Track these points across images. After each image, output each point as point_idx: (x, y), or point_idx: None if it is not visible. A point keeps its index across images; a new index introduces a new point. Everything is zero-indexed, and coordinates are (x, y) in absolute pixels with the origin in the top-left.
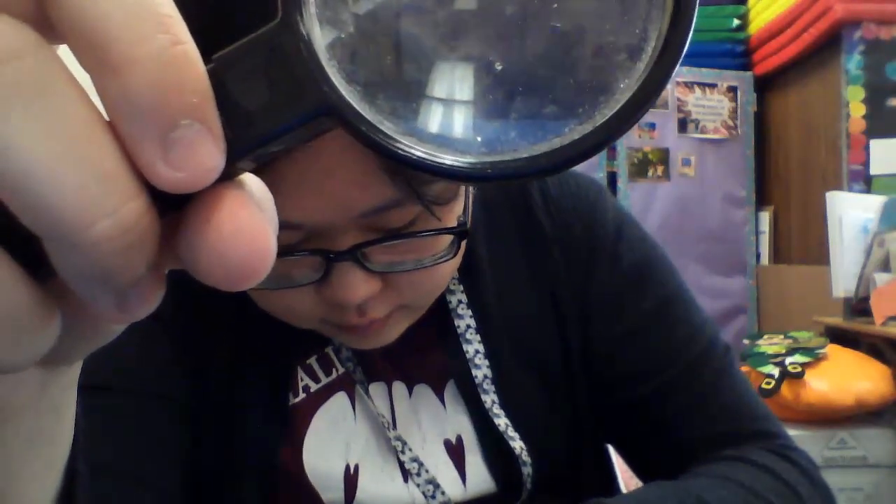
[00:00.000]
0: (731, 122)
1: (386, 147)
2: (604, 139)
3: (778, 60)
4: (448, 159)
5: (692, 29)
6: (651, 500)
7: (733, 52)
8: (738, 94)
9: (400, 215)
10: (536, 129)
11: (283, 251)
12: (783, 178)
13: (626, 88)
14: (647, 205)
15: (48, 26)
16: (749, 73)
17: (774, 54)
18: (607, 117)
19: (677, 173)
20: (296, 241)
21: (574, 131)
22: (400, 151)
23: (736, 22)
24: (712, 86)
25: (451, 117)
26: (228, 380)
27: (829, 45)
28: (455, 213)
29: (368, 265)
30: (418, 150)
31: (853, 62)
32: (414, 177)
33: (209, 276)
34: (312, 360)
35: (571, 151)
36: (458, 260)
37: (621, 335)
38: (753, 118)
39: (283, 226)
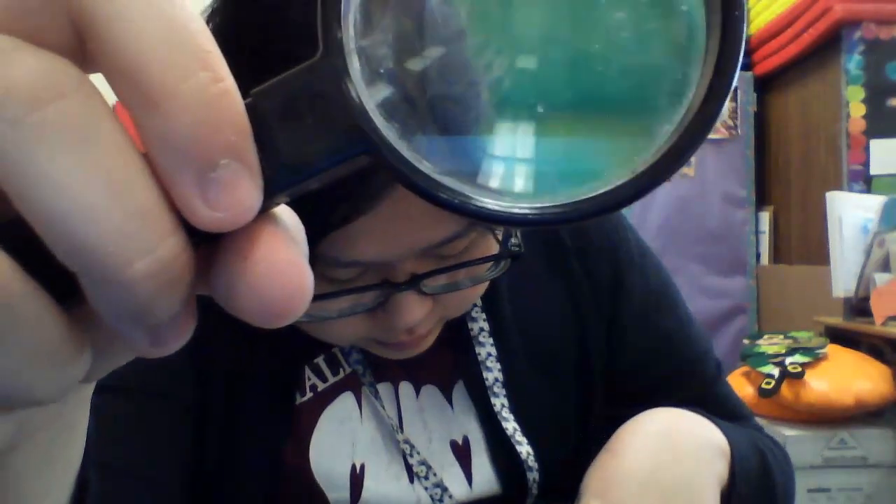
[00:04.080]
0: (731, 122)
1: (424, 188)
2: (645, 186)
3: (778, 60)
4: (487, 202)
5: (737, 76)
6: (725, 423)
7: None
8: (738, 94)
9: (460, 243)
10: (576, 173)
11: (344, 286)
12: (783, 178)
13: (667, 134)
14: (646, 205)
15: (84, 57)
16: (749, 73)
17: (774, 54)
18: (649, 164)
19: (677, 173)
20: (353, 275)
21: (614, 177)
22: (440, 194)
23: None
24: None
25: (490, 160)
26: (235, 378)
27: (828, 45)
28: (500, 231)
29: (424, 289)
30: (458, 193)
31: (853, 62)
32: None
33: (245, 312)
34: (320, 360)
35: (612, 198)
36: None
37: (646, 351)
38: (753, 118)
39: (345, 264)
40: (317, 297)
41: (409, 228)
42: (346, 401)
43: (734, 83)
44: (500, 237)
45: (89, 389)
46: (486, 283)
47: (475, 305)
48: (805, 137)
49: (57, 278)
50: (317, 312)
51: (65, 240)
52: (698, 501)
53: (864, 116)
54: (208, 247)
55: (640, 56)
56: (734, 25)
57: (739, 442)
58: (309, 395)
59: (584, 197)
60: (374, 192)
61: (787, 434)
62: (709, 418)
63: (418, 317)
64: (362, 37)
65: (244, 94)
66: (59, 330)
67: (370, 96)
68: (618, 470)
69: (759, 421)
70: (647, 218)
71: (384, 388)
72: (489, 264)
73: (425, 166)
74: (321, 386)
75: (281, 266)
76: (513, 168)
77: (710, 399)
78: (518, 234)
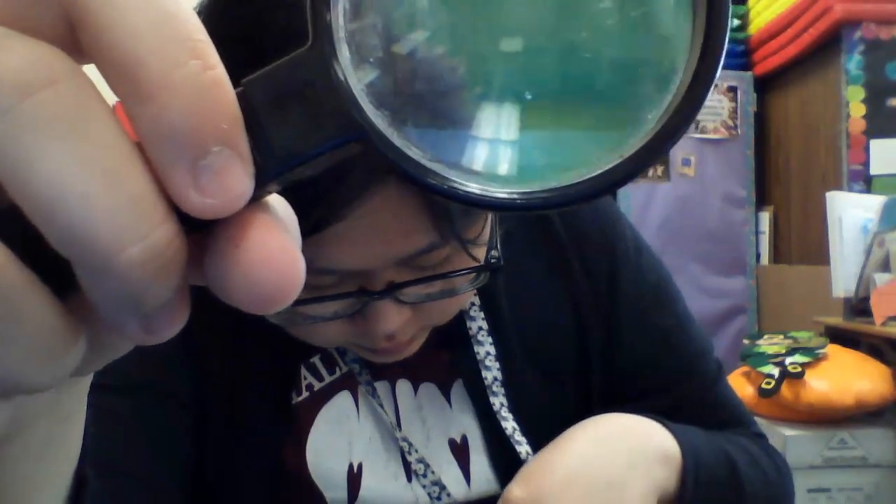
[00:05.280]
0: (731, 122)
1: (413, 174)
2: (631, 171)
3: (778, 60)
4: (475, 188)
5: (722, 61)
6: (694, 432)
7: (733, 52)
8: (738, 94)
9: (437, 255)
10: (564, 158)
11: (321, 294)
12: (783, 178)
13: (653, 119)
14: (647, 205)
15: (77, 48)
16: (749, 73)
17: (774, 54)
18: (636, 149)
19: (677, 173)
20: (331, 282)
21: (602, 162)
22: (428, 180)
23: (736, 22)
24: None
25: (478, 146)
26: (232, 378)
27: (829, 45)
28: (482, 243)
29: (402, 298)
30: (446, 179)
31: (853, 62)
32: (461, 224)
33: (237, 299)
34: (316, 359)
35: (599, 182)
36: None
37: (644, 349)
38: (753, 118)
39: (322, 271)
40: (294, 303)
41: (382, 239)
42: (343, 400)
43: (720, 68)
44: (475, 253)
45: (86, 382)
46: (470, 294)
47: (473, 304)
48: (805, 137)
49: (51, 266)
50: (297, 316)
51: (58, 227)
52: (622, 502)
53: (864, 116)
54: (201, 235)
55: (627, 43)
56: (719, 10)
57: (702, 453)
58: (305, 394)
59: (571, 182)
60: (346, 201)
61: (787, 434)
62: (673, 428)
63: (396, 325)
64: (351, 23)
65: (235, 83)
66: (53, 318)
67: (359, 83)
68: (547, 462)
69: (759, 421)
70: (646, 218)
71: (381, 387)
72: (469, 276)
73: (414, 153)
74: (317, 385)
75: (273, 253)
76: (500, 154)
77: (709, 400)
78: (498, 246)
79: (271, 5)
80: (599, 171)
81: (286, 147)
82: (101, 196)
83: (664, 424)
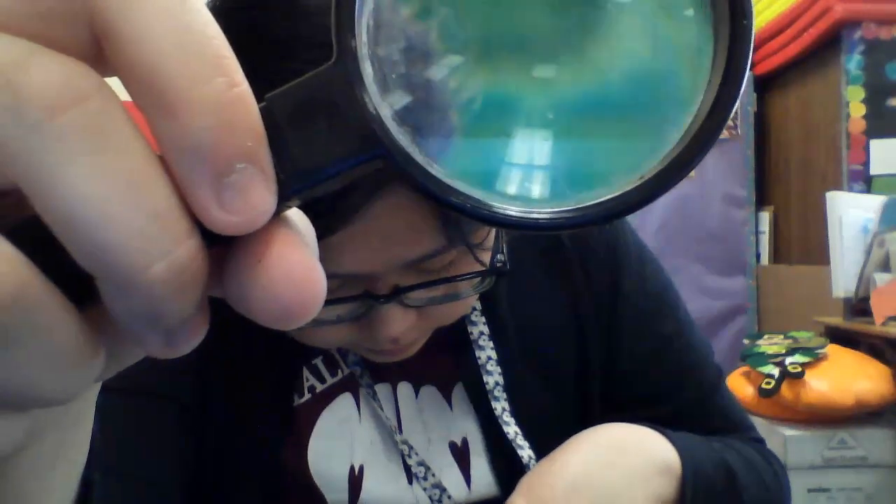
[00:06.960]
0: (730, 122)
1: (436, 193)
2: (653, 192)
3: (778, 60)
4: (498, 207)
5: (744, 83)
6: (693, 441)
7: None
8: None
9: (443, 259)
10: (585, 179)
11: (328, 296)
12: (783, 178)
13: (674, 141)
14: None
15: (102, 60)
16: (749, 73)
17: (774, 54)
18: (657, 170)
19: None
20: (335, 286)
21: (622, 183)
22: (451, 199)
23: None
24: None
25: (500, 166)
26: (234, 380)
27: (829, 45)
28: (488, 248)
29: (408, 302)
30: (469, 198)
31: (853, 62)
32: (469, 228)
33: (258, 314)
34: (318, 361)
35: (620, 203)
36: None
37: (644, 356)
38: (753, 118)
39: (328, 276)
40: None
41: (391, 243)
42: (344, 402)
43: (742, 91)
44: (480, 257)
45: (96, 388)
46: (474, 297)
47: (475, 309)
48: (805, 137)
49: (73, 279)
50: None
51: (84, 243)
52: None
53: (864, 116)
54: (221, 248)
55: (649, 63)
56: (742, 34)
57: (701, 463)
58: (307, 396)
59: (592, 202)
60: (356, 207)
61: (787, 434)
62: (672, 437)
63: (401, 329)
64: (375, 42)
65: (258, 99)
66: (74, 332)
67: (382, 101)
68: (549, 472)
69: (759, 421)
70: (646, 218)
71: (382, 389)
72: (475, 280)
73: (437, 171)
74: (319, 387)
75: (294, 268)
76: (523, 173)
77: (709, 407)
78: (504, 250)
79: (279, 10)
80: (619, 193)
81: (308, 163)
82: (128, 212)
83: (663, 434)
